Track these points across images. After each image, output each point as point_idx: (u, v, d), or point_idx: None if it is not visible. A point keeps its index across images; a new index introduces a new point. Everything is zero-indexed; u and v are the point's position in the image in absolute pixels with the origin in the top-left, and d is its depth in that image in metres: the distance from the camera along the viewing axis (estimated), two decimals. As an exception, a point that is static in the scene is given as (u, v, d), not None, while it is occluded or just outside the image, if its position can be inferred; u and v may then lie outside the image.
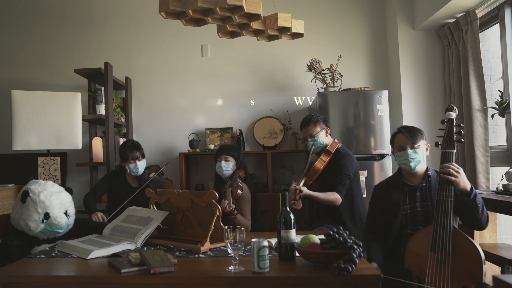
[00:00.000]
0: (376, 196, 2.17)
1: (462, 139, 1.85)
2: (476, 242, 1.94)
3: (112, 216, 2.62)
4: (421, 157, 2.01)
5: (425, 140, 2.06)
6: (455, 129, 1.84)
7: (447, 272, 1.65)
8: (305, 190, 2.37)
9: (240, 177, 2.63)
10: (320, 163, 2.53)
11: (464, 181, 1.77)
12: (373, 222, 2.14)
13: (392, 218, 2.02)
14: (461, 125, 1.85)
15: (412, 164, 2.00)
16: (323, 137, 2.65)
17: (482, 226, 1.84)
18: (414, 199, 2.02)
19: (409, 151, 2.01)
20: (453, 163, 1.79)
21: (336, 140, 2.69)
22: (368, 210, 2.22)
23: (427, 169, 2.06)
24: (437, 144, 1.90)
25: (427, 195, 2.00)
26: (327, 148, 2.61)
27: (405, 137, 2.04)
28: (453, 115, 1.86)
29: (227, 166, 2.65)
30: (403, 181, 2.06)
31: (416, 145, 2.01)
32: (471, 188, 1.78)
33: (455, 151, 1.82)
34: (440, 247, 1.68)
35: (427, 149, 2.07)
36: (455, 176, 1.75)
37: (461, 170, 1.77)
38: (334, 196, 2.45)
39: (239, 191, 2.54)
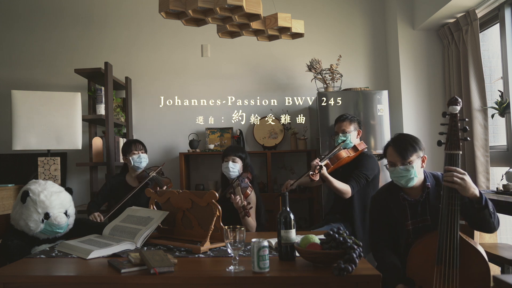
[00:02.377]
0: (375, 209, 2.02)
1: (468, 138, 1.69)
2: (477, 243, 1.94)
3: (111, 215, 2.63)
4: (413, 173, 1.84)
5: (420, 151, 1.87)
6: (459, 125, 1.64)
7: (455, 285, 1.56)
8: (324, 169, 2.44)
9: (248, 177, 2.63)
10: (345, 153, 2.60)
11: (471, 187, 1.60)
12: (378, 238, 1.98)
13: (395, 232, 1.94)
14: (466, 119, 1.66)
15: (402, 182, 1.87)
16: (354, 137, 2.71)
17: (494, 229, 1.70)
18: (415, 215, 1.89)
19: (399, 168, 1.85)
20: (457, 168, 1.62)
21: (364, 144, 2.72)
22: (369, 226, 2.08)
23: (425, 179, 1.91)
24: (439, 143, 1.68)
25: (427, 209, 1.88)
26: (356, 145, 2.67)
27: (395, 152, 1.88)
28: (458, 109, 1.64)
29: (234, 167, 2.63)
30: (403, 195, 1.92)
31: (407, 161, 1.84)
32: (480, 194, 1.63)
33: (460, 152, 1.63)
34: (447, 260, 1.58)
35: (423, 161, 1.89)
36: (459, 184, 1.59)
37: (466, 176, 1.60)
38: (346, 188, 2.49)
39: (249, 190, 2.55)
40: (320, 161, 2.49)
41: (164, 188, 2.73)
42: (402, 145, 1.87)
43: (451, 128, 1.65)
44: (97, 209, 2.78)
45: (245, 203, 2.44)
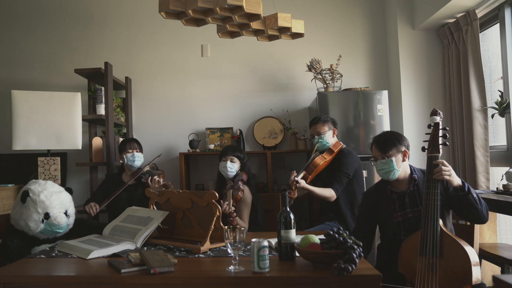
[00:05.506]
0: (364, 204, 2.13)
1: (447, 142, 1.85)
2: (476, 243, 1.95)
3: (105, 206, 2.70)
4: (393, 166, 1.95)
5: (401, 146, 1.99)
6: (440, 133, 1.83)
7: (436, 275, 1.65)
8: (302, 182, 2.45)
9: (243, 179, 2.63)
10: (320, 159, 2.61)
11: (457, 177, 1.78)
12: (360, 228, 2.11)
13: (385, 226, 2.01)
14: (447, 128, 1.85)
15: (383, 174, 1.99)
16: (330, 137, 2.74)
17: (484, 217, 1.80)
18: (404, 206, 1.97)
19: (379, 161, 1.99)
20: (442, 161, 1.78)
21: (340, 142, 2.76)
22: (357, 217, 2.21)
23: (412, 173, 2.01)
24: (423, 149, 1.87)
25: (417, 200, 1.96)
26: (330, 147, 2.69)
27: (375, 148, 2.03)
28: (438, 119, 1.85)
29: (232, 168, 2.65)
30: (391, 188, 2.02)
31: (386, 155, 1.96)
32: (463, 182, 1.79)
33: (440, 154, 1.82)
34: (429, 250, 1.68)
35: (405, 155, 1.99)
36: (449, 175, 1.75)
37: (450, 167, 1.78)
38: (329, 192, 2.52)
39: (240, 193, 2.54)
40: (297, 175, 2.48)
41: (156, 178, 2.71)
42: (381, 141, 2.02)
43: (433, 136, 1.84)
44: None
45: (232, 210, 2.41)
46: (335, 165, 2.64)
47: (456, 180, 1.77)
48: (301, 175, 2.53)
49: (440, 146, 1.82)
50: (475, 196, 1.79)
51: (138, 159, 2.84)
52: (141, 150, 2.90)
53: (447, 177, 1.74)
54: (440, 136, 1.83)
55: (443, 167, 1.75)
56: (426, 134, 1.89)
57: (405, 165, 2.00)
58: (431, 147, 1.83)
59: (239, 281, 1.44)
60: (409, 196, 1.98)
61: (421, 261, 1.69)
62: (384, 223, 2.02)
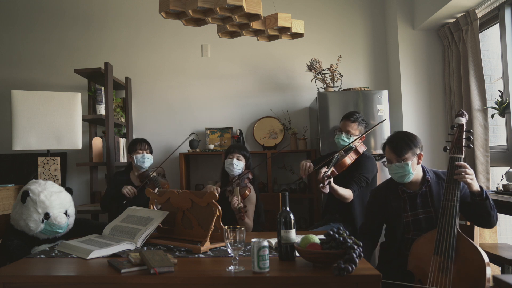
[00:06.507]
0: (374, 201, 2.12)
1: (471, 145, 1.81)
2: (476, 243, 1.94)
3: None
4: (408, 170, 1.93)
5: (416, 148, 1.96)
6: (464, 135, 1.80)
7: (449, 276, 1.63)
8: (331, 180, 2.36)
9: (249, 177, 2.64)
10: (350, 159, 2.51)
11: (476, 183, 1.78)
12: (368, 225, 2.10)
13: (394, 225, 2.00)
14: (471, 130, 1.82)
15: (398, 178, 1.97)
16: (356, 141, 2.63)
17: (494, 222, 1.81)
18: (415, 206, 1.97)
19: (395, 165, 1.95)
20: (465, 164, 1.77)
21: (363, 144, 2.66)
22: (365, 214, 2.19)
23: (425, 174, 2.00)
24: (445, 149, 1.85)
25: (429, 201, 1.95)
26: (357, 147, 2.58)
27: (390, 150, 1.98)
28: (463, 120, 1.82)
29: (238, 165, 2.64)
30: (402, 188, 2.00)
31: (401, 158, 1.93)
32: (481, 188, 1.78)
33: (463, 156, 1.80)
34: (444, 250, 1.67)
35: (419, 158, 1.97)
36: (471, 179, 1.74)
37: (473, 171, 1.77)
38: (349, 193, 2.46)
39: (247, 190, 2.54)
40: (327, 170, 2.36)
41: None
42: (397, 143, 1.98)
43: (457, 137, 1.82)
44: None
45: (241, 205, 2.42)
46: (355, 166, 2.55)
47: (476, 185, 1.76)
48: (330, 171, 2.39)
49: (464, 148, 1.80)
50: (491, 202, 1.79)
51: (147, 160, 2.86)
52: (151, 151, 2.93)
53: (469, 181, 1.74)
54: (464, 138, 1.80)
55: (467, 170, 1.74)
56: (449, 134, 1.88)
57: (418, 166, 1.98)
58: (454, 148, 1.81)
59: (239, 281, 1.44)
60: (421, 196, 1.97)
61: (434, 261, 1.68)
62: (392, 222, 2.01)
